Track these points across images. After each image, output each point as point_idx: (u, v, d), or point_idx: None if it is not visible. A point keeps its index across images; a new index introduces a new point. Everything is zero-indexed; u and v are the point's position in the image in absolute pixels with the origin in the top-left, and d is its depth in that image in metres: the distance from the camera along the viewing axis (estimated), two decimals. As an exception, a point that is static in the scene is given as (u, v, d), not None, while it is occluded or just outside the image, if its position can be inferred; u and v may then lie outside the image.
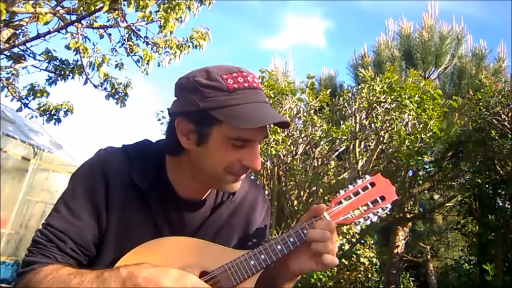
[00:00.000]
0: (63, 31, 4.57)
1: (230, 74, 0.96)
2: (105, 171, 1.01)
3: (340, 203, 1.08)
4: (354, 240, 6.05)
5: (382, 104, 4.78)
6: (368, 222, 1.08)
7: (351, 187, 1.10)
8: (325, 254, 0.99)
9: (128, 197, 1.02)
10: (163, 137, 1.09)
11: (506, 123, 5.22)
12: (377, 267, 7.32)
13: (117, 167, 1.03)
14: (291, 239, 1.03)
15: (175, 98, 1.03)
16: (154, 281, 0.85)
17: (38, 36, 4.32)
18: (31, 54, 5.19)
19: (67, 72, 5.31)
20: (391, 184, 1.11)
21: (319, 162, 5.30)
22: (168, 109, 1.05)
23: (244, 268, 0.99)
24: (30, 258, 0.95)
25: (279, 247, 1.02)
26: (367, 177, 1.12)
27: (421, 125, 4.73)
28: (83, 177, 1.02)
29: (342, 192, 1.10)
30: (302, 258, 1.04)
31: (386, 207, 1.09)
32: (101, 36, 5.17)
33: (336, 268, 6.18)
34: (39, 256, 0.95)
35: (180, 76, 1.03)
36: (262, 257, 1.00)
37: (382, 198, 1.09)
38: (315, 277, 5.03)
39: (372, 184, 1.10)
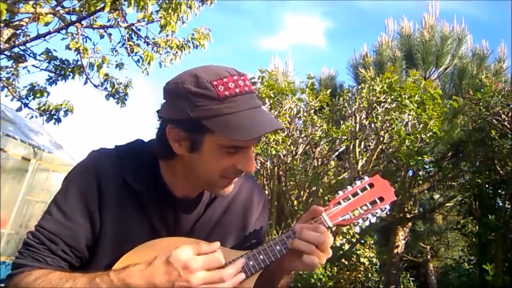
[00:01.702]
0: (64, 31, 4.57)
1: (220, 79, 0.93)
2: (98, 173, 1.01)
3: (339, 203, 1.08)
4: (354, 240, 6.06)
5: (382, 104, 4.78)
6: (367, 223, 1.09)
7: (349, 188, 1.10)
8: (305, 255, 0.99)
9: (122, 198, 1.01)
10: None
11: (506, 123, 5.21)
12: (377, 267, 7.32)
13: (110, 168, 1.02)
14: (290, 239, 1.03)
15: (165, 102, 1.01)
16: (148, 284, 0.87)
17: (38, 36, 4.31)
18: (31, 54, 5.20)
19: (67, 72, 5.31)
20: (390, 185, 1.11)
21: (319, 162, 5.30)
22: (157, 111, 1.05)
23: (242, 269, 0.99)
24: (20, 260, 0.95)
25: (277, 248, 1.02)
26: (366, 178, 1.12)
27: (421, 125, 4.73)
28: (75, 179, 1.02)
29: (340, 193, 1.10)
30: (292, 257, 1.05)
31: (385, 208, 1.09)
32: (101, 36, 5.18)
33: (336, 268, 6.19)
34: (30, 259, 0.95)
35: (168, 80, 1.01)
36: (261, 257, 1.00)
37: (381, 199, 1.10)
38: (315, 277, 5.03)
39: (371, 185, 1.11)
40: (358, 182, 1.11)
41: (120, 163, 1.03)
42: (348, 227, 5.63)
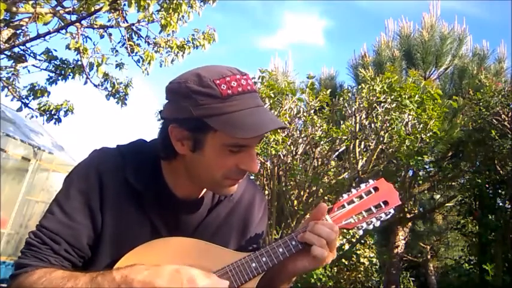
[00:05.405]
0: (63, 31, 4.56)
1: (223, 78, 0.93)
2: (99, 172, 1.00)
3: (343, 207, 1.07)
4: (354, 240, 6.05)
5: (382, 104, 4.77)
6: (371, 227, 1.07)
7: (354, 191, 1.09)
8: (314, 246, 0.99)
9: (123, 197, 1.01)
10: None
11: (506, 123, 5.22)
12: (377, 267, 7.32)
13: (112, 167, 1.02)
14: (293, 242, 1.03)
15: (167, 101, 1.01)
16: (149, 284, 0.84)
17: (38, 36, 4.29)
18: (31, 54, 5.18)
19: (67, 72, 5.29)
20: (395, 189, 1.10)
21: (319, 162, 5.29)
22: (160, 112, 1.04)
23: (245, 270, 0.99)
24: (23, 260, 0.94)
25: (280, 250, 1.01)
26: (371, 181, 1.10)
27: (421, 125, 4.73)
28: (77, 178, 1.01)
29: (345, 196, 1.09)
30: (297, 258, 1.04)
31: (389, 213, 1.08)
32: (101, 36, 5.17)
33: (336, 268, 6.19)
34: (33, 259, 0.94)
35: (171, 80, 1.00)
36: (264, 259, 1.00)
37: (385, 203, 1.08)
38: (314, 277, 5.03)
39: (376, 189, 1.09)
40: (362, 185, 1.10)
41: (122, 162, 1.03)
42: (348, 227, 5.62)
